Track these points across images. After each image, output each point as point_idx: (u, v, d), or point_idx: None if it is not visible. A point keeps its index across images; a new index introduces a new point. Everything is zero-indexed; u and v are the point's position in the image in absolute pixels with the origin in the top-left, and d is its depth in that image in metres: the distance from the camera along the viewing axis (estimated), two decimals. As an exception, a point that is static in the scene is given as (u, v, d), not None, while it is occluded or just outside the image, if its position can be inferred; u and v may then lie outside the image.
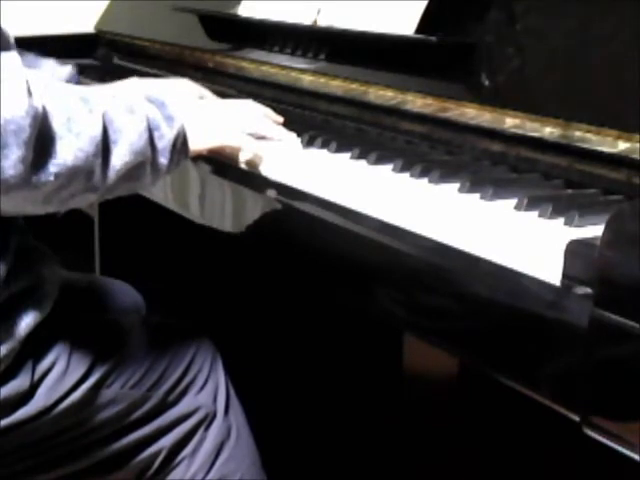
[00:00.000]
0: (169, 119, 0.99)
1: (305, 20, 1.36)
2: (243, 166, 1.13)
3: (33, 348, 1.03)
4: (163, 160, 0.98)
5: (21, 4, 1.90)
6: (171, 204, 1.38)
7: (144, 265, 1.88)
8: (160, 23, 1.78)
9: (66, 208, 0.95)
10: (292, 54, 1.39)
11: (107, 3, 2.01)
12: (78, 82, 1.29)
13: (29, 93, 0.84)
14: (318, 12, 1.34)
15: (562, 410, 0.76)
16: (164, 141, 0.98)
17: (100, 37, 1.96)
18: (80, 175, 0.89)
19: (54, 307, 1.03)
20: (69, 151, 0.87)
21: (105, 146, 0.91)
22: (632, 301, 0.68)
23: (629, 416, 0.70)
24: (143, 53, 1.81)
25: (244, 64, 1.50)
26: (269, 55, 1.44)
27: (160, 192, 1.40)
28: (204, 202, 1.31)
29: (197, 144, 1.06)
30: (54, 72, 1.26)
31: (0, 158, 0.82)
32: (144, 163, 0.96)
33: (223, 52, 1.58)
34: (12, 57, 0.86)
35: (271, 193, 1.11)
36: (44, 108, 0.86)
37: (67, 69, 1.28)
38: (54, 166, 0.86)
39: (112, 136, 0.92)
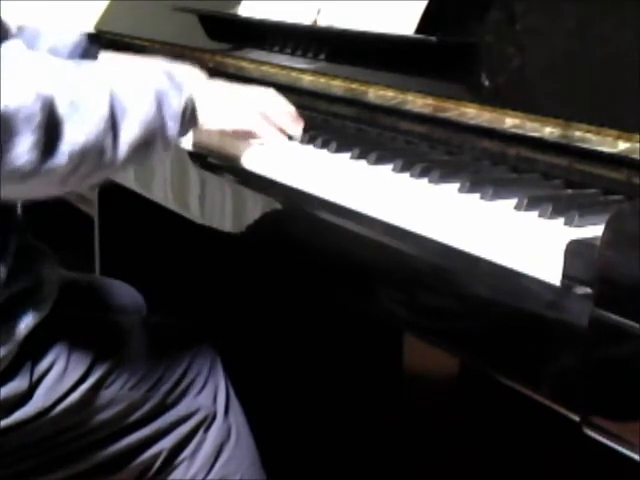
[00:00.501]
0: (177, 89, 0.99)
1: (305, 20, 1.36)
2: (244, 163, 1.13)
3: (32, 349, 1.03)
4: (172, 130, 0.99)
5: (21, 4, 1.89)
6: (171, 204, 1.38)
7: (144, 265, 1.88)
8: (160, 23, 1.78)
9: (83, 187, 0.95)
10: (292, 54, 1.39)
11: (107, 3, 2.00)
12: (86, 48, 1.28)
13: (36, 78, 0.84)
14: (318, 12, 1.34)
15: (562, 410, 0.76)
16: (172, 111, 0.98)
17: (100, 37, 1.96)
18: (92, 153, 0.89)
19: (53, 307, 1.03)
20: (79, 131, 0.87)
21: (114, 122, 0.91)
22: (632, 301, 0.68)
23: (629, 416, 0.70)
24: (143, 53, 1.81)
25: (244, 64, 1.50)
26: (269, 55, 1.44)
27: (160, 192, 1.39)
28: (204, 202, 1.31)
29: (210, 123, 1.06)
30: (58, 41, 1.25)
31: (14, 145, 0.82)
32: (154, 135, 0.96)
33: (223, 52, 1.57)
34: (15, 45, 0.87)
35: (271, 194, 1.11)
36: (51, 91, 0.86)
37: (73, 36, 1.27)
38: (66, 148, 0.86)
39: (120, 112, 0.92)
